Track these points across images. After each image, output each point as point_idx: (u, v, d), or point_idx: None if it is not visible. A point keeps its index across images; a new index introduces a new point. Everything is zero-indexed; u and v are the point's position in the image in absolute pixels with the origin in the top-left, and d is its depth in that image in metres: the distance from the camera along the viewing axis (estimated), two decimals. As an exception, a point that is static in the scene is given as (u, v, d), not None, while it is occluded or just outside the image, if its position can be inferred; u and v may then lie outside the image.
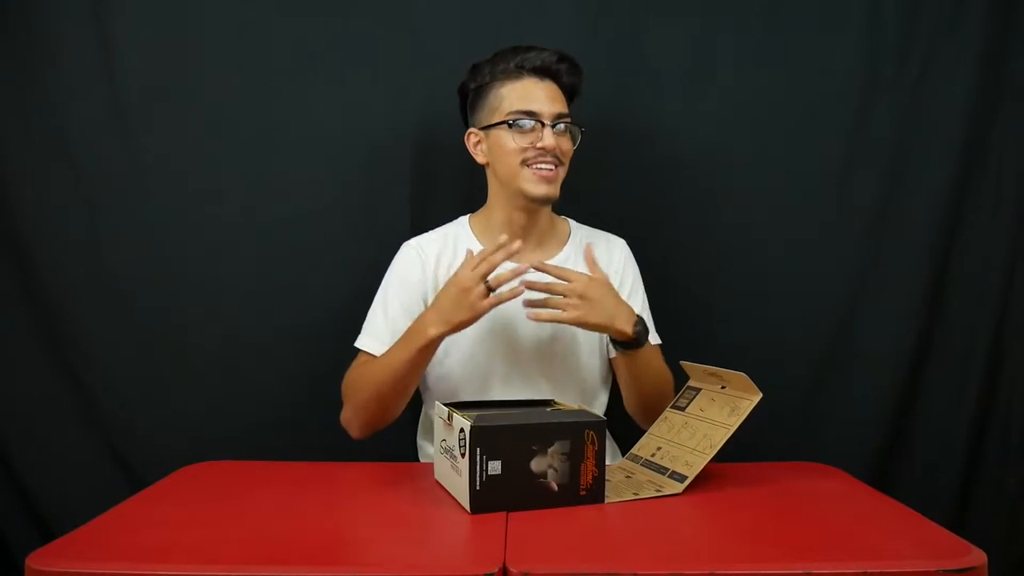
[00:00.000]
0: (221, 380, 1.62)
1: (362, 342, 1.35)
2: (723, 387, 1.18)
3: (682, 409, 1.22)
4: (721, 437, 1.10)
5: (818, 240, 1.65)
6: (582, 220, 1.50)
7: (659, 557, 0.90)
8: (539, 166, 1.31)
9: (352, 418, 1.33)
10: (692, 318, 1.61)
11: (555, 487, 1.01)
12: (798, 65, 1.64)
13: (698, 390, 1.22)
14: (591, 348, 1.39)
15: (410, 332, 1.25)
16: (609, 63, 1.61)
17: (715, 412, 1.15)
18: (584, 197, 1.53)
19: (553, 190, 1.33)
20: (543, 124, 1.30)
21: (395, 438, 1.52)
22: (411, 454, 1.50)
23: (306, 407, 1.60)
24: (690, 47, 1.63)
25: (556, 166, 1.32)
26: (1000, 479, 1.66)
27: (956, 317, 1.66)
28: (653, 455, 1.19)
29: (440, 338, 1.22)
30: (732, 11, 1.63)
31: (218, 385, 1.62)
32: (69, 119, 1.59)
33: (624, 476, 1.16)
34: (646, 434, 1.25)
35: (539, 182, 1.32)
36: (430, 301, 1.33)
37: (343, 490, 1.14)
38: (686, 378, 1.27)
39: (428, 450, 1.45)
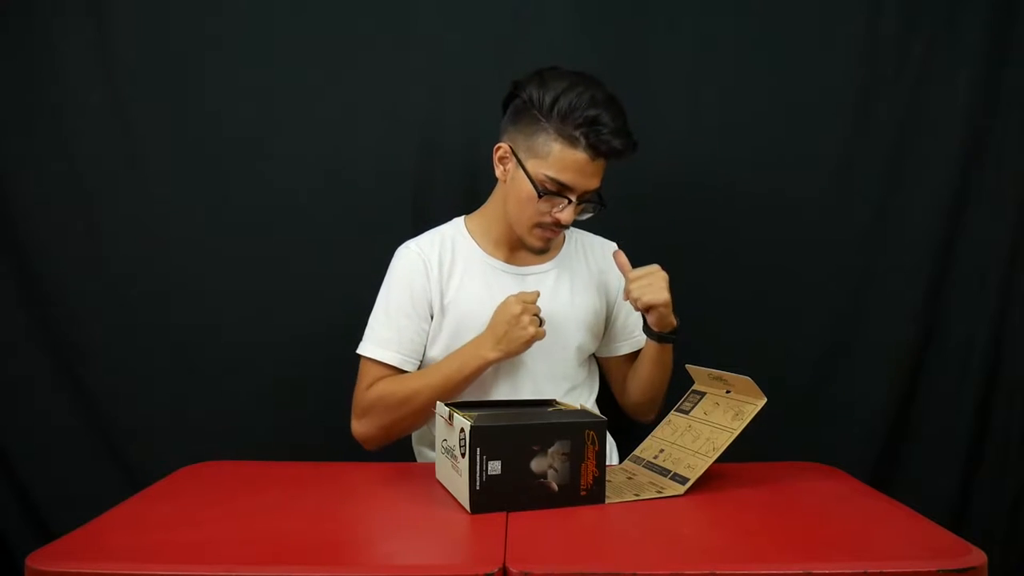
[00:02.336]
0: (221, 380, 1.62)
1: (367, 349, 1.33)
2: (728, 391, 1.18)
3: (686, 412, 1.22)
4: (724, 441, 1.10)
5: (818, 241, 1.65)
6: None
7: (659, 557, 0.90)
8: (547, 231, 1.32)
9: (374, 434, 1.33)
10: (692, 319, 1.60)
11: (555, 487, 1.01)
12: (798, 65, 1.64)
13: (703, 394, 1.22)
14: (578, 347, 1.39)
15: (463, 355, 1.29)
16: (609, 64, 1.60)
17: (719, 416, 1.15)
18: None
19: (550, 246, 1.36)
20: (569, 200, 1.28)
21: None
22: (411, 454, 1.50)
23: (306, 407, 1.60)
24: (690, 47, 1.64)
25: (562, 230, 1.34)
26: (1000, 479, 1.66)
27: (956, 317, 1.66)
28: (655, 457, 1.19)
29: (496, 362, 1.28)
30: (732, 11, 1.63)
31: (218, 385, 1.62)
32: (69, 119, 1.59)
33: (626, 477, 1.16)
34: (649, 436, 1.25)
35: (540, 241, 1.33)
36: (436, 306, 1.34)
37: (343, 490, 1.14)
38: (690, 381, 1.27)
39: (426, 452, 1.45)
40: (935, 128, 1.63)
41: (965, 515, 1.66)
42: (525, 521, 0.96)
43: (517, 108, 1.30)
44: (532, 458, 1.00)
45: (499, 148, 1.32)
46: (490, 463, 0.99)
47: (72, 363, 1.61)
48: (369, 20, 1.61)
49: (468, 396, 1.32)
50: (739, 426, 1.10)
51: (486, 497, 0.99)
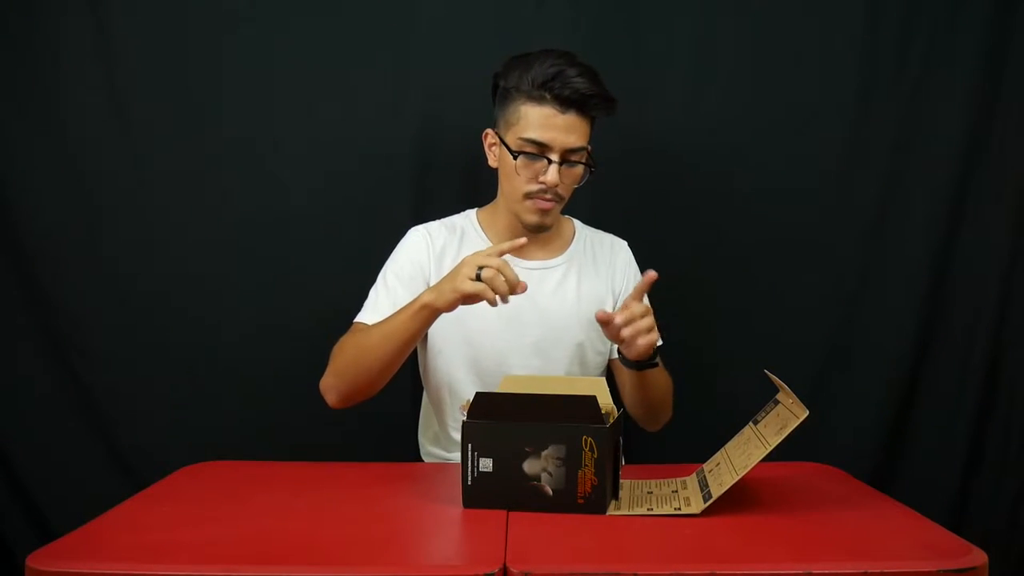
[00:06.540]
0: (221, 380, 1.62)
1: (359, 315, 1.34)
2: (791, 401, 1.07)
3: (756, 423, 1.12)
4: (758, 456, 1.01)
5: (818, 240, 1.65)
6: (582, 219, 1.49)
7: (659, 557, 0.90)
8: (538, 201, 1.30)
9: (331, 382, 1.29)
10: (691, 318, 1.60)
11: (549, 492, 0.99)
12: (798, 65, 1.64)
13: (778, 403, 1.11)
14: (578, 345, 1.38)
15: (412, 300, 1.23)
16: (609, 64, 1.60)
17: (769, 429, 1.06)
18: (582, 197, 1.53)
19: (547, 220, 1.33)
20: (549, 161, 1.27)
21: (395, 438, 1.53)
22: (411, 454, 1.50)
23: (305, 407, 1.60)
24: (690, 47, 1.64)
25: (555, 201, 1.31)
26: (1000, 479, 1.66)
27: (956, 317, 1.66)
28: (711, 471, 1.10)
29: (429, 308, 1.17)
30: (732, 11, 1.63)
31: (218, 385, 1.62)
32: (69, 119, 1.59)
33: (646, 492, 1.09)
34: (723, 447, 1.14)
35: (534, 212, 1.31)
36: (432, 285, 1.30)
37: (343, 490, 1.14)
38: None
39: (428, 448, 1.45)
40: (935, 128, 1.63)
41: (965, 515, 1.66)
42: (526, 521, 0.96)
43: (497, 93, 1.34)
44: (525, 459, 0.99)
45: (487, 135, 1.36)
46: (481, 460, 0.98)
47: (72, 363, 1.61)
48: (369, 17, 1.61)
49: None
50: (775, 442, 1.01)
51: (478, 493, 0.99)
